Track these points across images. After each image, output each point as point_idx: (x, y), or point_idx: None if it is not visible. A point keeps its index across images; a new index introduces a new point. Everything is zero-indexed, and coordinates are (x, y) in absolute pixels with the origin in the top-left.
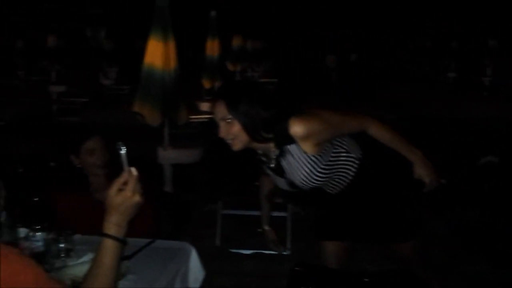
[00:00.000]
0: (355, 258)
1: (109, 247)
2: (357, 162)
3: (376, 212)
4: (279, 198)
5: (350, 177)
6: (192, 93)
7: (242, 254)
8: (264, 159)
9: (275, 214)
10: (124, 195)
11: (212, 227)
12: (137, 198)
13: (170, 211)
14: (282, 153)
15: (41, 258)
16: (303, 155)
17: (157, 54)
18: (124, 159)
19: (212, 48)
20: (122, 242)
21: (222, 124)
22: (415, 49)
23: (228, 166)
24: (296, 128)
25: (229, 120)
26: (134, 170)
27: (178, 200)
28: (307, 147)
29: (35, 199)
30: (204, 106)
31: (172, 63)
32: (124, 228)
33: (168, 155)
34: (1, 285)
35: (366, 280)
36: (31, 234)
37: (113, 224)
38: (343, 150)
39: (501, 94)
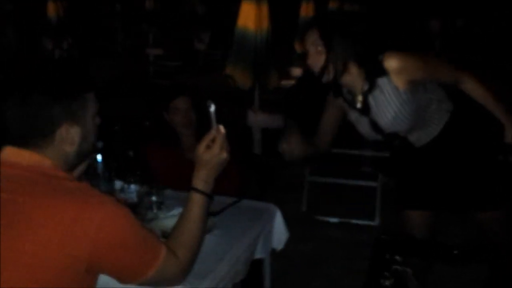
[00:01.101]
0: (445, 233)
1: (197, 201)
2: (448, 114)
3: (463, 174)
4: (368, 167)
5: (438, 129)
6: (284, 58)
7: (328, 221)
8: (349, 97)
9: (365, 183)
10: (212, 152)
11: (298, 192)
12: (224, 155)
13: (257, 173)
14: (372, 87)
15: (134, 209)
16: (394, 91)
17: (250, 16)
18: (213, 117)
19: (307, 11)
20: (209, 197)
21: (311, 52)
22: None
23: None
24: (391, 61)
25: (320, 49)
26: (222, 128)
27: (265, 163)
28: (400, 82)
29: (130, 153)
30: (296, 71)
31: (265, 25)
32: (211, 184)
33: (258, 119)
34: (99, 229)
35: (456, 252)
36: (125, 186)
37: (201, 180)
38: (435, 98)
39: None
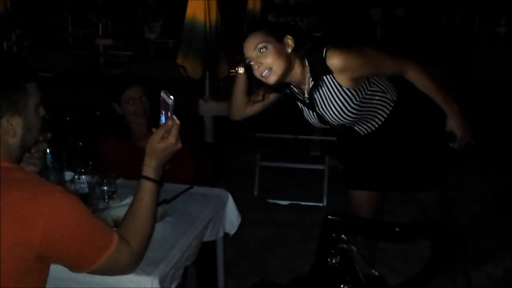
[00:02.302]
0: (393, 213)
1: (148, 189)
2: (391, 104)
3: (405, 158)
4: (317, 151)
5: (382, 119)
6: (234, 47)
7: (279, 204)
8: (297, 91)
9: (313, 167)
10: (167, 141)
11: (250, 178)
12: (179, 145)
13: (210, 161)
14: (317, 84)
15: (85, 199)
16: (338, 88)
17: (199, 7)
18: (171, 109)
19: (254, 1)
20: (159, 184)
21: (255, 56)
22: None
23: (267, 118)
24: (333, 59)
25: (265, 47)
26: (176, 119)
27: (218, 150)
28: (343, 80)
29: (80, 143)
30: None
31: (214, 16)
32: (161, 171)
33: (209, 107)
34: (48, 218)
35: (397, 230)
36: (76, 177)
37: (153, 168)
38: (379, 90)
39: None
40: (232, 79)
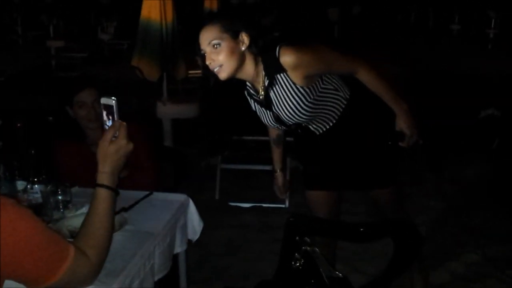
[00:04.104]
0: (351, 211)
1: (104, 196)
2: (344, 102)
3: (357, 157)
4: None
5: (336, 116)
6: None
7: (241, 207)
8: (252, 91)
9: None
10: (118, 143)
11: (211, 181)
12: (130, 145)
13: (170, 165)
14: (271, 83)
15: (39, 210)
16: (292, 86)
17: (154, 7)
18: (115, 110)
19: (211, 2)
20: (115, 191)
21: (208, 51)
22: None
23: (227, 120)
24: (286, 57)
25: (218, 44)
26: (121, 121)
27: (178, 154)
28: (296, 77)
29: (32, 151)
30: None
31: (170, 16)
32: (117, 177)
33: (167, 110)
34: (0, 233)
35: (361, 230)
36: (29, 186)
37: (107, 174)
38: (332, 87)
39: (506, 47)
40: (191, 80)
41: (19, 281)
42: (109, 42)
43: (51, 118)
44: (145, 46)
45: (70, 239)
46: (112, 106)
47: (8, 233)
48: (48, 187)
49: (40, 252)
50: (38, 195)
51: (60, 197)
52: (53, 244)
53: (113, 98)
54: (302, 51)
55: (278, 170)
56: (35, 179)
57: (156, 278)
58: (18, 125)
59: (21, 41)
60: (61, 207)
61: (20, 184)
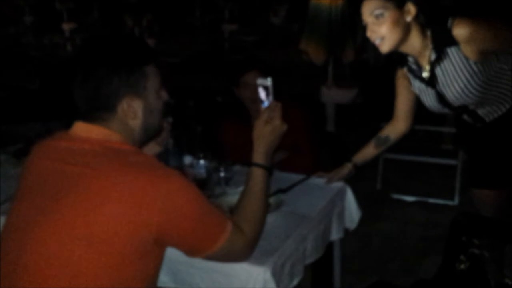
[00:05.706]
0: None
1: (258, 174)
2: None
3: None
4: (449, 144)
5: (510, 101)
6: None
7: (404, 200)
8: (414, 67)
9: (444, 161)
10: (273, 124)
11: (373, 170)
12: (284, 126)
13: (330, 150)
14: (440, 57)
15: (203, 184)
16: (464, 61)
17: None
18: (271, 90)
19: None
20: (269, 170)
21: (370, 22)
22: None
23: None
24: (461, 29)
25: (381, 14)
26: (276, 102)
27: (339, 140)
28: (470, 52)
29: (200, 128)
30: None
31: None
32: (270, 157)
33: (331, 94)
34: (165, 201)
35: None
36: (195, 161)
37: (262, 154)
38: (508, 68)
39: None
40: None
41: (180, 249)
42: (280, 26)
43: (219, 98)
44: (313, 29)
45: (228, 214)
46: (268, 87)
47: (173, 200)
48: (212, 163)
49: (200, 222)
50: (203, 171)
51: (222, 174)
52: (213, 217)
53: (268, 78)
54: (479, 23)
55: (353, 164)
56: (201, 155)
57: (306, 262)
58: (190, 103)
59: (199, 23)
60: (222, 183)
61: (187, 159)
